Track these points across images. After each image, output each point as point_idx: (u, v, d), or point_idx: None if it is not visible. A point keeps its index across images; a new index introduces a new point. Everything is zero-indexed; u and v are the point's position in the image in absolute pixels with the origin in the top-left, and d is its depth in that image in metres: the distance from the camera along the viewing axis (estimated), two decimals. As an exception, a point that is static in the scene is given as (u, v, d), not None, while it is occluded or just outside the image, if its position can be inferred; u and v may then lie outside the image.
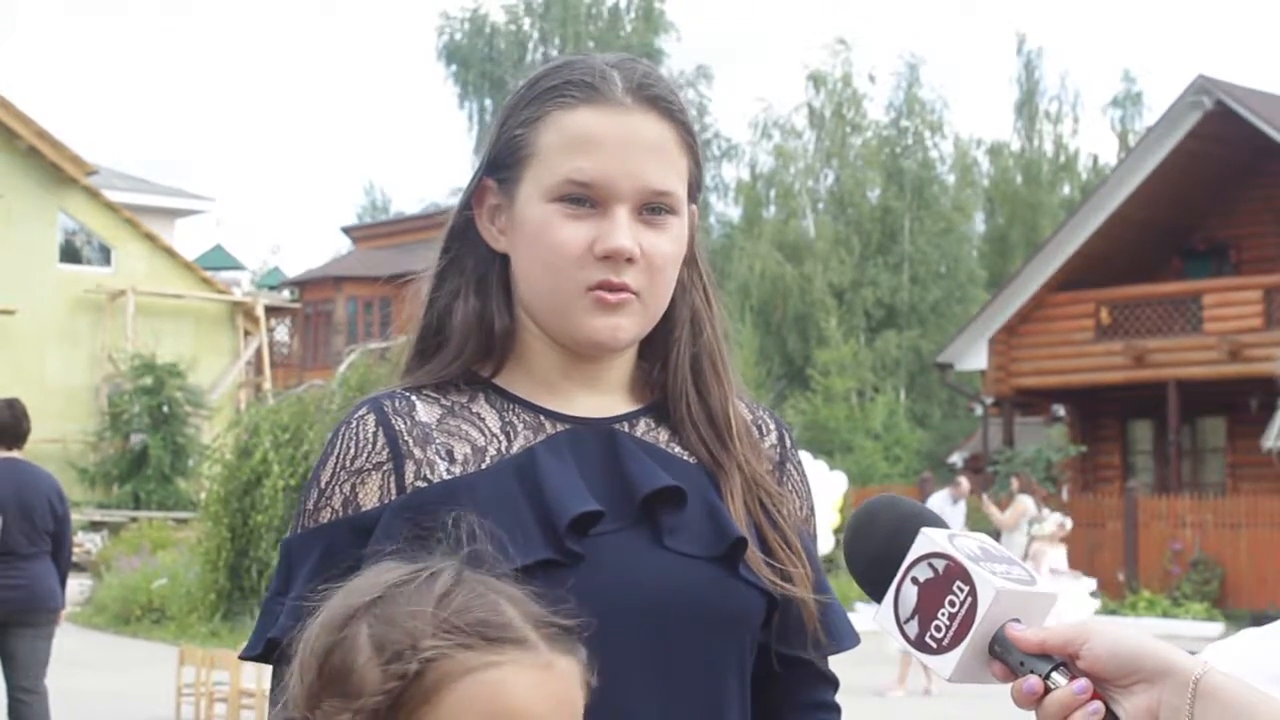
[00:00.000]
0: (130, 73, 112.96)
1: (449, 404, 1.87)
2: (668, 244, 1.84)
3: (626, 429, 1.89)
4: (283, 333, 39.89)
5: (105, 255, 35.32)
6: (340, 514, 1.79)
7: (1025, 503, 21.30)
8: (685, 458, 1.90)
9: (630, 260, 1.80)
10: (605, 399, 1.91)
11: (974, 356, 29.79)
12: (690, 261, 1.92)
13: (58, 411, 31.00)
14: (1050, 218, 45.21)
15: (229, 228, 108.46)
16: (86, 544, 26.35)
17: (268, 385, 35.26)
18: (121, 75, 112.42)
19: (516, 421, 1.86)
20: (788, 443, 2.02)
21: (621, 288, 1.81)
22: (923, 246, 46.08)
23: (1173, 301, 27.53)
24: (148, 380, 32.52)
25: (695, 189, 1.90)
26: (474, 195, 1.91)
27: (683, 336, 1.93)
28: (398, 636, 1.45)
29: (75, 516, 9.52)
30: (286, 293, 41.79)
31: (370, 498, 1.79)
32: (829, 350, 41.58)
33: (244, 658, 1.85)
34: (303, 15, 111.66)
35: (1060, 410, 31.48)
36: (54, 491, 9.06)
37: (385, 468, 1.80)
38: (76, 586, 20.68)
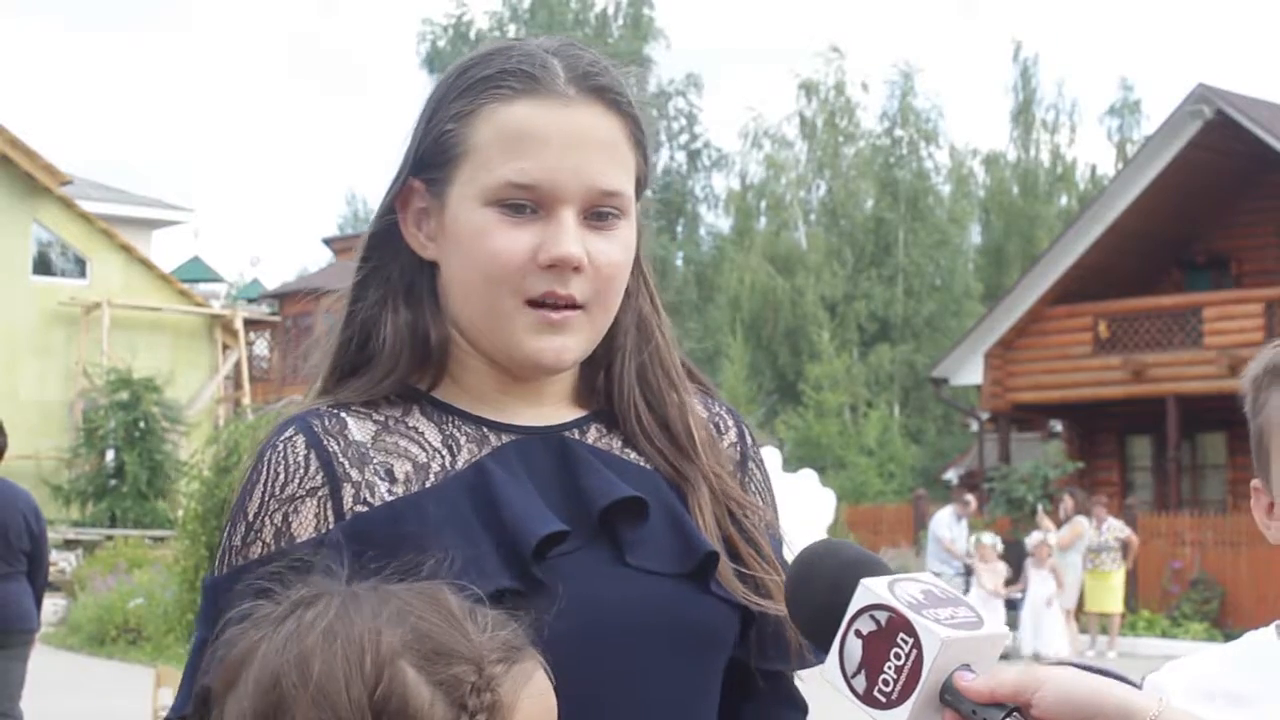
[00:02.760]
0: (107, 81, 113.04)
1: (382, 419, 1.74)
2: (617, 251, 1.72)
3: (577, 436, 1.78)
4: (262, 346, 39.58)
5: (80, 267, 35.11)
6: (273, 547, 1.65)
7: (1081, 524, 21.06)
8: (642, 464, 1.79)
9: (577, 269, 1.68)
10: (549, 410, 1.80)
11: (969, 371, 29.84)
12: (635, 264, 1.79)
13: (31, 427, 30.63)
14: (1047, 229, 45.39)
15: (207, 239, 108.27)
16: (61, 563, 26.30)
17: (247, 400, 35.04)
18: (98, 84, 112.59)
19: (458, 434, 1.74)
20: (748, 439, 1.92)
21: (568, 301, 1.69)
22: (917, 259, 46.32)
23: (1172, 315, 27.53)
24: (123, 395, 32.28)
25: (642, 186, 1.77)
26: (398, 198, 1.77)
27: (627, 344, 1.82)
28: (460, 671, 1.42)
29: (49, 535, 9.27)
30: (266, 306, 41.47)
31: (305, 527, 1.65)
32: (821, 364, 41.70)
33: (172, 718, 1.67)
34: (284, 23, 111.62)
35: (1057, 426, 31.60)
36: (30, 509, 8.94)
37: (320, 493, 1.67)
38: (51, 606, 20.66)
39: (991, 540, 20.63)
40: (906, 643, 1.40)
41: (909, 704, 1.40)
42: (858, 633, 1.43)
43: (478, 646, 1.46)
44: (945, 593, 1.44)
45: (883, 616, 1.41)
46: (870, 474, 38.01)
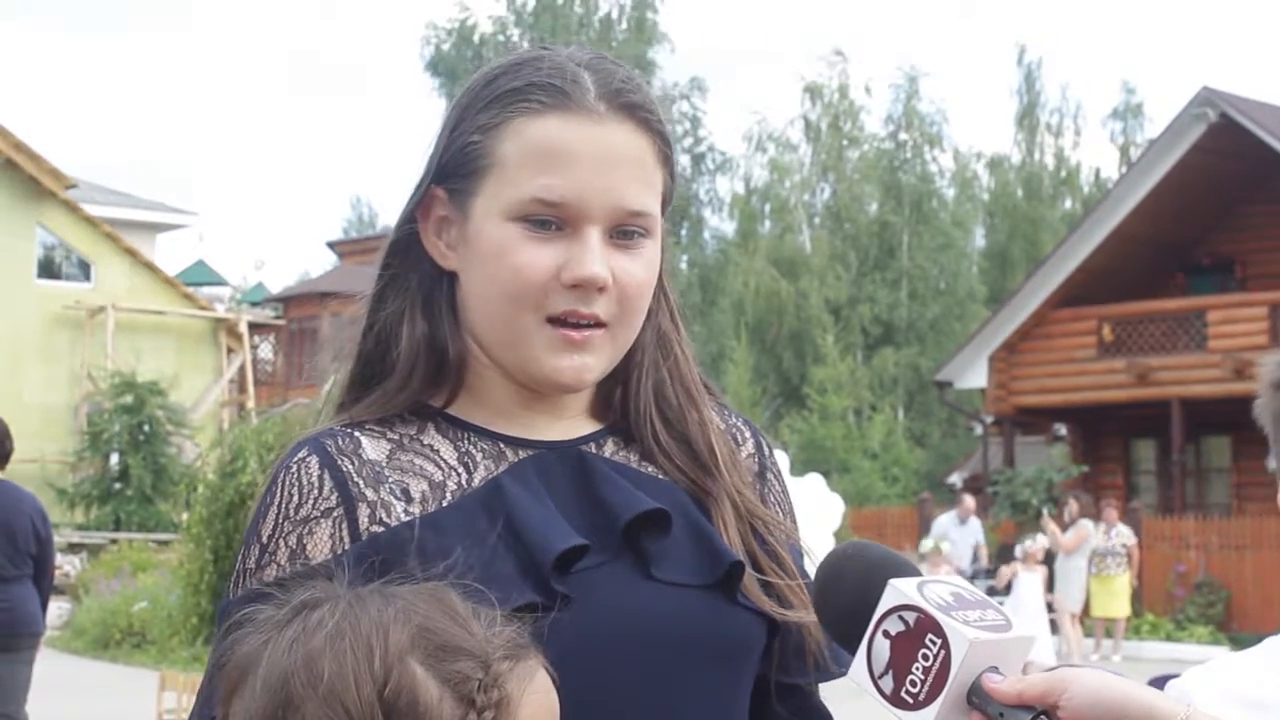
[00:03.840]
0: (112, 85, 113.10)
1: (396, 437, 1.72)
2: (642, 270, 1.70)
3: (594, 450, 1.77)
4: (266, 350, 39.52)
5: (85, 270, 35.13)
6: (287, 569, 1.63)
7: (1086, 527, 21.00)
8: (660, 477, 1.77)
9: (602, 289, 1.66)
10: (568, 423, 1.78)
11: (974, 374, 29.78)
12: (657, 280, 1.76)
13: (35, 431, 30.62)
14: (1051, 232, 45.36)
15: (211, 242, 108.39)
16: (65, 566, 26.33)
17: (251, 404, 34.98)
18: (103, 88, 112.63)
19: (474, 451, 1.72)
20: (765, 450, 1.91)
21: (591, 320, 1.67)
22: (921, 262, 46.29)
23: (1177, 318, 27.48)
24: (128, 399, 32.27)
25: (668, 201, 1.76)
26: (419, 206, 1.74)
27: (645, 361, 1.79)
28: (467, 667, 1.43)
29: (54, 538, 9.25)
30: (270, 309, 41.43)
31: (320, 548, 1.64)
32: (825, 368, 41.64)
33: None
34: (289, 26, 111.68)
35: (1062, 429, 31.50)
36: (37, 513, 8.94)
37: (335, 514, 1.65)
38: (55, 610, 20.67)
39: (946, 547, 20.59)
40: (935, 644, 1.40)
41: (936, 705, 1.40)
42: (886, 633, 1.43)
43: (484, 643, 1.47)
44: (974, 595, 1.45)
45: (911, 617, 1.42)
46: (874, 478, 37.96)
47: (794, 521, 1.88)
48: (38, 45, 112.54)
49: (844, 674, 1.73)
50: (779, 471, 1.92)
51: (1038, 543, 20.01)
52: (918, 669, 1.41)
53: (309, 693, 1.42)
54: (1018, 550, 20.28)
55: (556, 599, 1.60)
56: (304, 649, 1.44)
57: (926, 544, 20.65)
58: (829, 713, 1.86)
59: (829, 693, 1.85)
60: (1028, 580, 19.38)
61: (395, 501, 1.67)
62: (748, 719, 1.76)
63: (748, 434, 1.90)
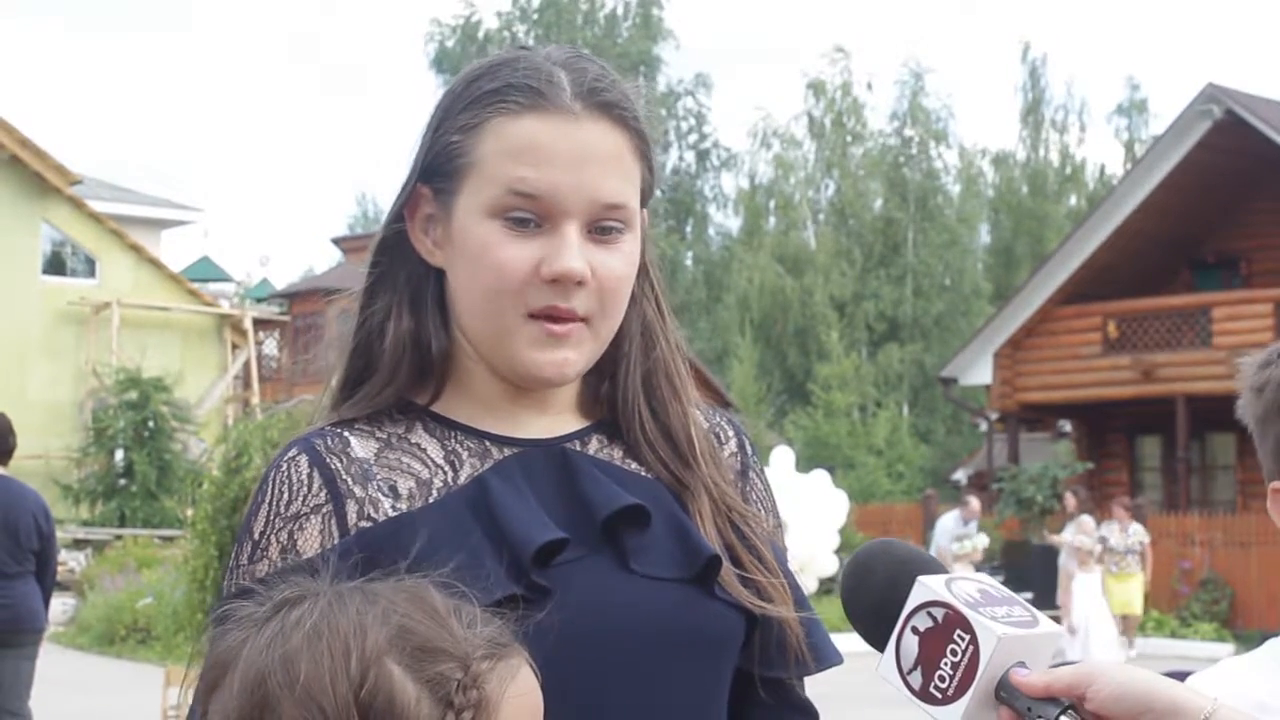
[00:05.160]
0: (117, 81, 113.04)
1: (385, 436, 1.76)
2: (621, 264, 1.73)
3: (578, 447, 1.80)
4: (271, 346, 39.46)
5: (90, 267, 35.12)
6: (278, 564, 1.67)
7: (1087, 522, 20.92)
8: (643, 473, 1.81)
9: (580, 283, 1.70)
10: (553, 419, 1.81)
11: (978, 371, 29.83)
12: (641, 270, 1.80)
13: (40, 427, 30.60)
14: (1056, 229, 45.38)
15: (216, 239, 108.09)
16: (70, 562, 26.37)
17: (256, 400, 34.95)
18: (108, 84, 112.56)
19: (460, 449, 1.76)
20: (748, 449, 1.94)
21: (569, 315, 1.71)
22: (926, 258, 46.33)
23: (1181, 315, 27.48)
24: (133, 395, 32.29)
25: (647, 196, 1.79)
26: (406, 204, 1.78)
27: (632, 352, 1.82)
28: (446, 668, 1.43)
29: (58, 534, 9.35)
30: (275, 305, 41.39)
31: (310, 543, 1.68)
32: (830, 364, 41.70)
33: None
34: (293, 22, 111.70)
35: (1066, 426, 31.49)
36: (40, 509, 8.99)
37: (324, 510, 1.69)
38: (60, 606, 20.85)
39: (983, 541, 20.54)
40: (963, 639, 1.43)
41: (965, 700, 1.42)
42: (914, 629, 1.45)
43: (463, 643, 1.47)
44: (1000, 592, 1.47)
45: (940, 613, 1.44)
46: (879, 474, 38.00)
47: (778, 521, 1.91)
48: (41, 43, 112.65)
49: (825, 669, 1.82)
50: (762, 471, 1.94)
51: (1078, 543, 19.70)
52: (946, 664, 1.43)
53: (285, 693, 1.42)
54: (1068, 543, 20.14)
55: (536, 592, 1.63)
56: (282, 648, 1.45)
57: (965, 545, 20.62)
58: (813, 706, 1.88)
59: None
60: (1085, 582, 19.26)
61: (383, 498, 1.70)
62: (726, 712, 1.78)
63: (731, 433, 1.92)
